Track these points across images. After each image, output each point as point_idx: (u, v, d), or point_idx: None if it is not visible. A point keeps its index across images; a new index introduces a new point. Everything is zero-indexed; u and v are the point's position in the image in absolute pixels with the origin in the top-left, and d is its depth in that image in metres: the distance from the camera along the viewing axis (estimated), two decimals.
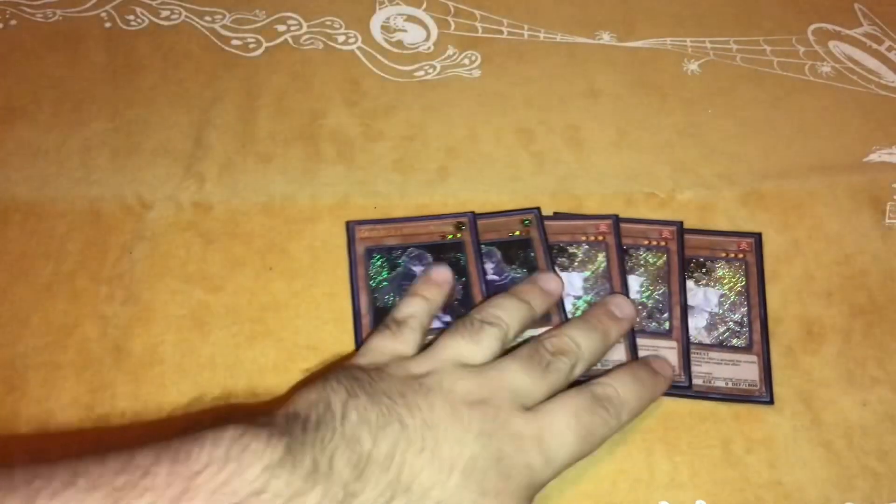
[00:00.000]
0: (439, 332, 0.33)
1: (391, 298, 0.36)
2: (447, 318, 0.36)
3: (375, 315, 0.36)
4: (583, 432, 0.30)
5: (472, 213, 0.39)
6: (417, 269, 0.37)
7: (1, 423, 0.33)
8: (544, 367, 0.32)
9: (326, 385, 0.29)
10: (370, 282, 0.37)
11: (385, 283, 0.37)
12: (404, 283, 0.36)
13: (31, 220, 0.39)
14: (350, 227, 0.38)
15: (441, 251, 0.38)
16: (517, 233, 0.38)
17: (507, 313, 0.34)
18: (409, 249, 0.37)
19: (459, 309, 0.36)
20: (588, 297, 0.37)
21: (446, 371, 0.31)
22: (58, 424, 0.33)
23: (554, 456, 0.30)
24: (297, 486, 0.25)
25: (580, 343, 0.33)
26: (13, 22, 0.46)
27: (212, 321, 0.36)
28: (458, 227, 0.38)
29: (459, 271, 0.37)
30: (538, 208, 0.39)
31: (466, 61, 0.46)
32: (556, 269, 0.37)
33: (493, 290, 0.36)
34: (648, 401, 0.33)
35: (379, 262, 0.37)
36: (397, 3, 0.48)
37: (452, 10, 0.48)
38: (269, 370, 0.35)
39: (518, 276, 0.37)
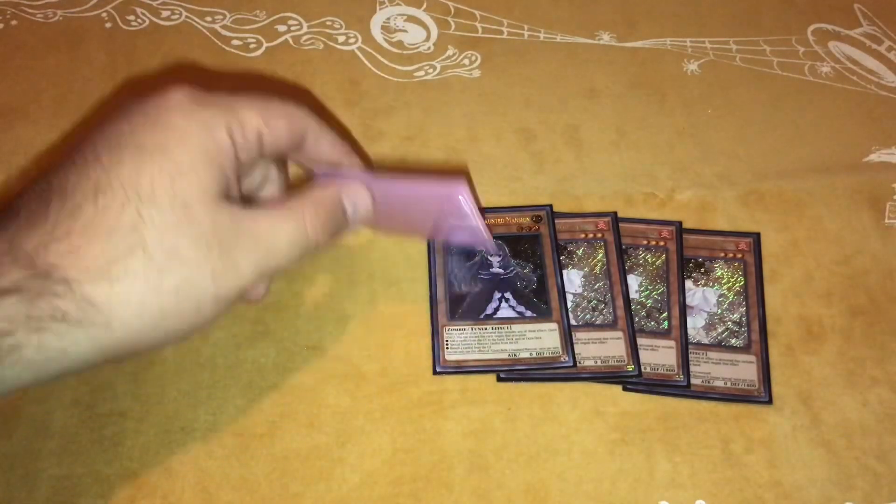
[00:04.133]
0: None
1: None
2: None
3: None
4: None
5: (550, 206, 0.39)
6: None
7: (1, 422, 0.33)
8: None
9: None
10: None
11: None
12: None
13: None
14: None
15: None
16: (513, 228, 0.39)
17: None
18: None
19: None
20: (587, 294, 0.37)
21: None
22: (58, 423, 0.33)
23: (207, 97, 0.28)
24: None
25: None
26: (14, 22, 0.46)
27: None
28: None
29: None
30: (550, 205, 0.39)
31: (466, 61, 0.46)
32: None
33: (500, 283, 0.37)
34: None
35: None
36: (397, 4, 0.48)
37: (452, 10, 0.48)
38: (269, 370, 0.35)
39: (523, 270, 0.38)
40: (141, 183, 0.25)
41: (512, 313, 0.37)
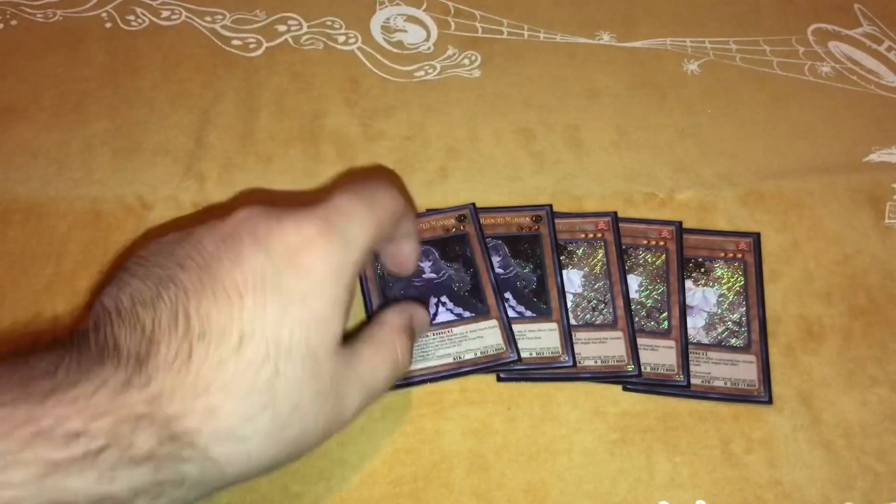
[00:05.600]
0: (448, 322, 0.36)
1: (401, 294, 0.37)
2: (458, 310, 0.36)
3: None
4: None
5: (473, 204, 0.39)
6: (425, 264, 0.37)
7: None
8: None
9: (100, 298, 0.27)
10: (379, 278, 0.37)
11: (394, 280, 0.37)
12: (413, 279, 0.37)
13: (31, 220, 0.39)
14: None
15: (446, 245, 0.38)
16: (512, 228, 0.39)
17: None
18: None
19: (470, 300, 0.36)
20: (587, 294, 0.37)
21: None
22: None
23: (342, 227, 0.28)
24: (74, 379, 0.23)
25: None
26: (13, 22, 0.46)
27: None
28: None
29: (467, 263, 0.37)
30: (550, 205, 0.39)
31: (466, 61, 0.46)
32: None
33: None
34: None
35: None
36: (397, 4, 0.48)
37: (452, 10, 0.48)
38: None
39: (523, 270, 0.37)
40: (282, 335, 0.25)
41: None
